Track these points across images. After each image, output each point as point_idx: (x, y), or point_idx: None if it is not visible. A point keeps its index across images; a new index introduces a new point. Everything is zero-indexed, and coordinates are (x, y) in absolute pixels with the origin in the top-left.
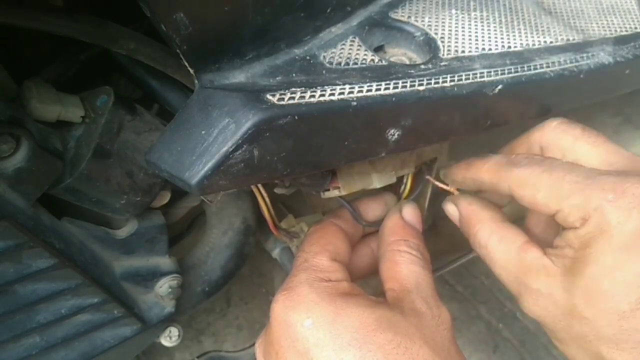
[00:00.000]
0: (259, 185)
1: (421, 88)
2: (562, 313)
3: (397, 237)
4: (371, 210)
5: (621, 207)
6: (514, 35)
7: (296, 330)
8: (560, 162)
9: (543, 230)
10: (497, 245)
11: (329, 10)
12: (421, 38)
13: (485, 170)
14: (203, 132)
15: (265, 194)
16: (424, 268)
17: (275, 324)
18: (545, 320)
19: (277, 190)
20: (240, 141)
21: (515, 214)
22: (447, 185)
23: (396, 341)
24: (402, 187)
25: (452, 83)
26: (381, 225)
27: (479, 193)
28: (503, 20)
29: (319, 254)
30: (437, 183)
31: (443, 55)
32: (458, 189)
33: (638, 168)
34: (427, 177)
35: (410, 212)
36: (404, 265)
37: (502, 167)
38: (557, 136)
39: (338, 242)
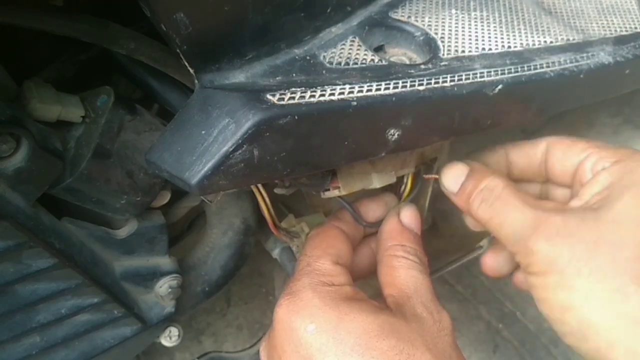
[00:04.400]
0: (259, 185)
1: (421, 88)
2: (584, 245)
3: (395, 242)
4: (371, 211)
5: None
6: (514, 35)
7: (299, 335)
8: None
9: None
10: (515, 194)
11: (329, 10)
12: (421, 38)
13: (512, 143)
14: (203, 132)
15: (265, 194)
16: (422, 272)
17: (279, 328)
18: (560, 261)
19: (277, 191)
20: (240, 141)
21: None
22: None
23: (399, 347)
24: (402, 187)
25: (452, 83)
26: (379, 229)
27: None
28: (503, 20)
29: (321, 257)
30: (434, 176)
31: (443, 55)
32: None
33: None
34: (424, 175)
35: (408, 215)
36: (402, 270)
37: (530, 140)
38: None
39: (340, 245)
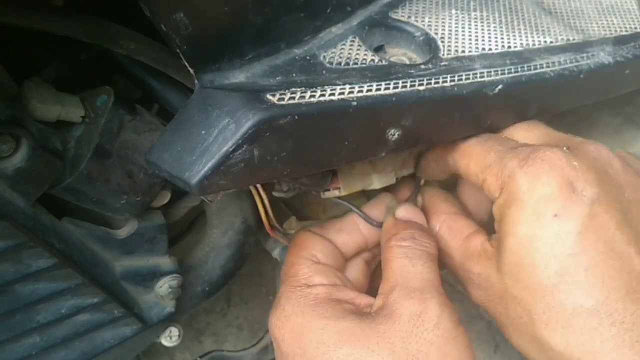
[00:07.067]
0: (258, 186)
1: (421, 88)
2: (499, 296)
3: (390, 235)
4: (374, 215)
5: (530, 173)
6: (514, 35)
7: (279, 345)
8: (495, 136)
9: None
10: (445, 234)
11: (329, 10)
12: (421, 38)
13: (440, 147)
14: (203, 132)
15: (264, 195)
16: (415, 258)
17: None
18: (488, 306)
19: (275, 194)
20: (240, 141)
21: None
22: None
23: (355, 355)
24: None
25: (452, 83)
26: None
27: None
28: (503, 20)
29: (295, 263)
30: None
31: (443, 55)
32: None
33: (566, 144)
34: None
35: (403, 210)
36: (392, 261)
37: (451, 143)
38: None
39: (315, 245)
